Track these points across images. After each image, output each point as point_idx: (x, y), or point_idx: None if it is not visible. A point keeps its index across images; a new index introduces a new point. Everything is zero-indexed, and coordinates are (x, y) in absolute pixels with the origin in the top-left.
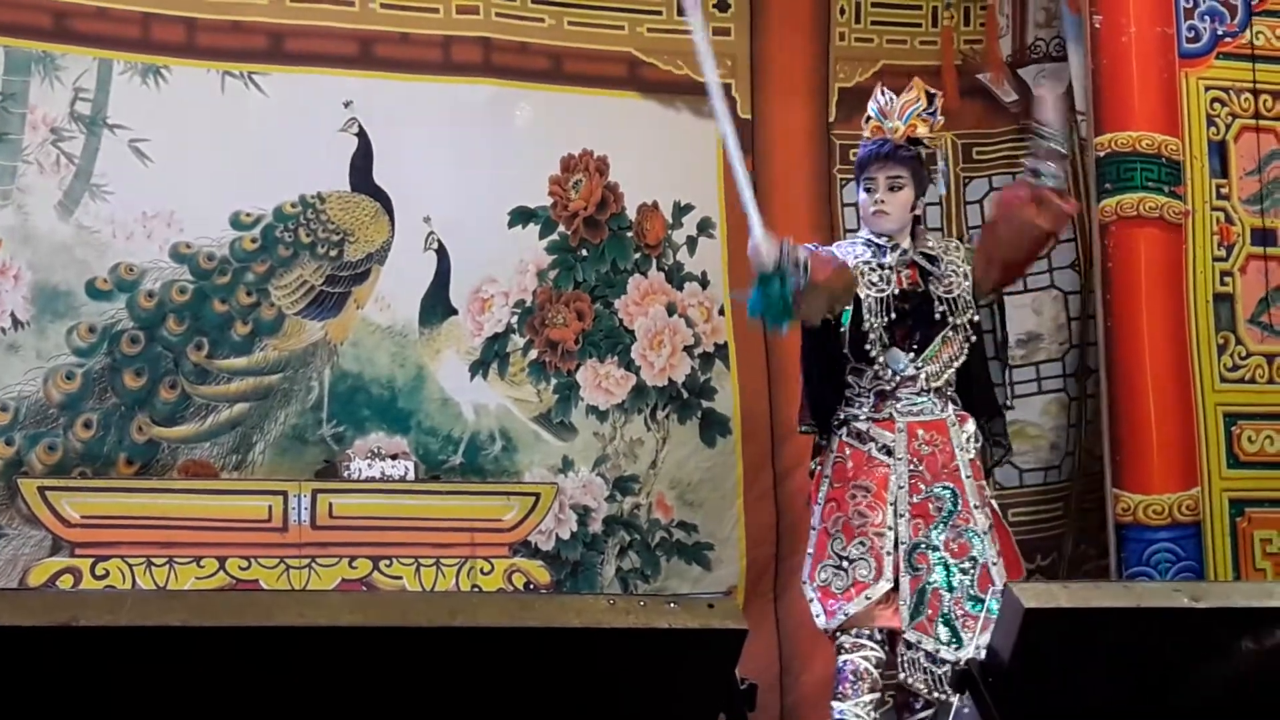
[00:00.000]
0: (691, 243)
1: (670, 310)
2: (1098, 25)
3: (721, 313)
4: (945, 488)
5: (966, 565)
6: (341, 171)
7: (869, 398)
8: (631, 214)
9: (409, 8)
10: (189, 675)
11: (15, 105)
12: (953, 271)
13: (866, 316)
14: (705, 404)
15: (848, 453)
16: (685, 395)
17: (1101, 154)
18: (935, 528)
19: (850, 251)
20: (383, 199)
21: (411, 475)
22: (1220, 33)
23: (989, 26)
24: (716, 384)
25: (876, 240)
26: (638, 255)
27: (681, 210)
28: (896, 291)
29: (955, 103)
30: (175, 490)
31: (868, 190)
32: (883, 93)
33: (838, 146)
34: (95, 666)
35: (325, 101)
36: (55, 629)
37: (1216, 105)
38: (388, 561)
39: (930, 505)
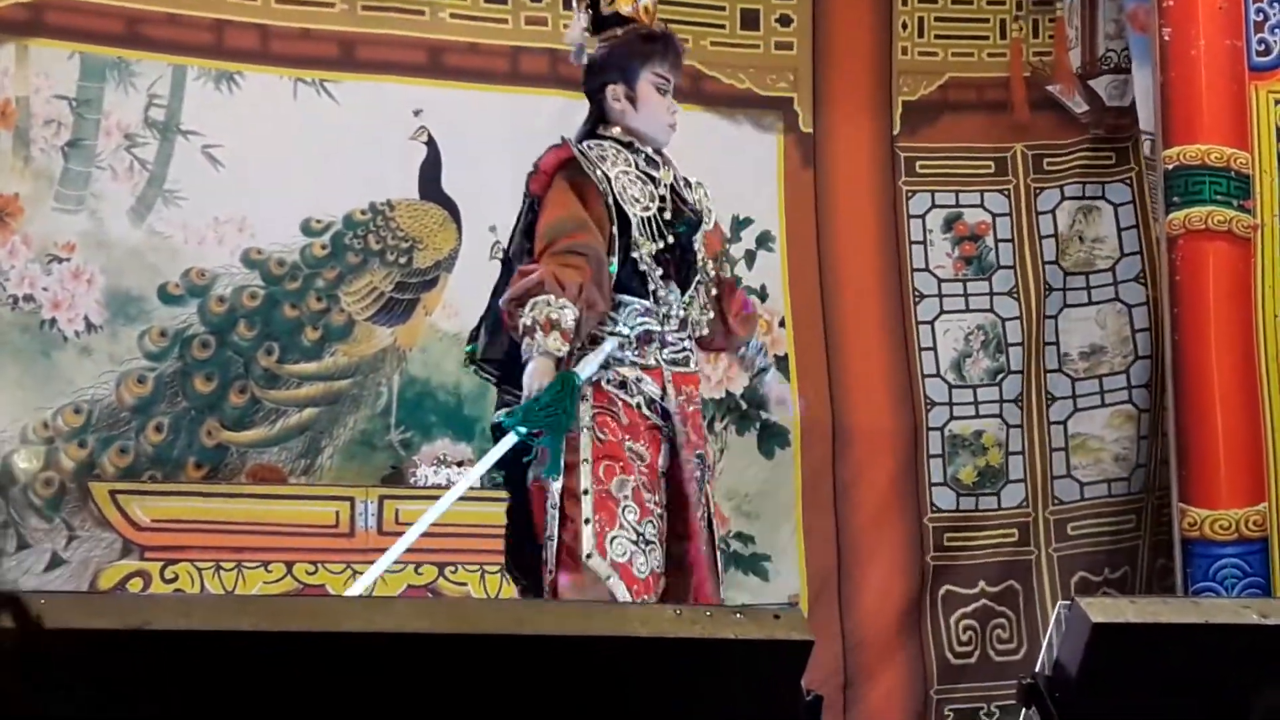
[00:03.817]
0: (750, 256)
1: None
2: (1167, 38)
3: (782, 325)
4: (699, 456)
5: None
6: (411, 179)
7: (629, 338)
8: None
9: (479, 18)
10: (259, 680)
11: (90, 111)
12: (704, 213)
13: (634, 239)
14: (764, 415)
15: (617, 403)
16: (744, 407)
17: (1170, 167)
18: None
19: (602, 155)
20: (451, 207)
21: (476, 483)
22: None
23: (1058, 38)
24: None
25: (640, 146)
26: None
27: (740, 224)
28: (668, 214)
29: (1026, 115)
30: (244, 495)
31: (661, 91)
32: None
33: (902, 159)
34: (166, 670)
35: (395, 109)
36: (128, 632)
37: None
38: (453, 568)
39: (688, 474)
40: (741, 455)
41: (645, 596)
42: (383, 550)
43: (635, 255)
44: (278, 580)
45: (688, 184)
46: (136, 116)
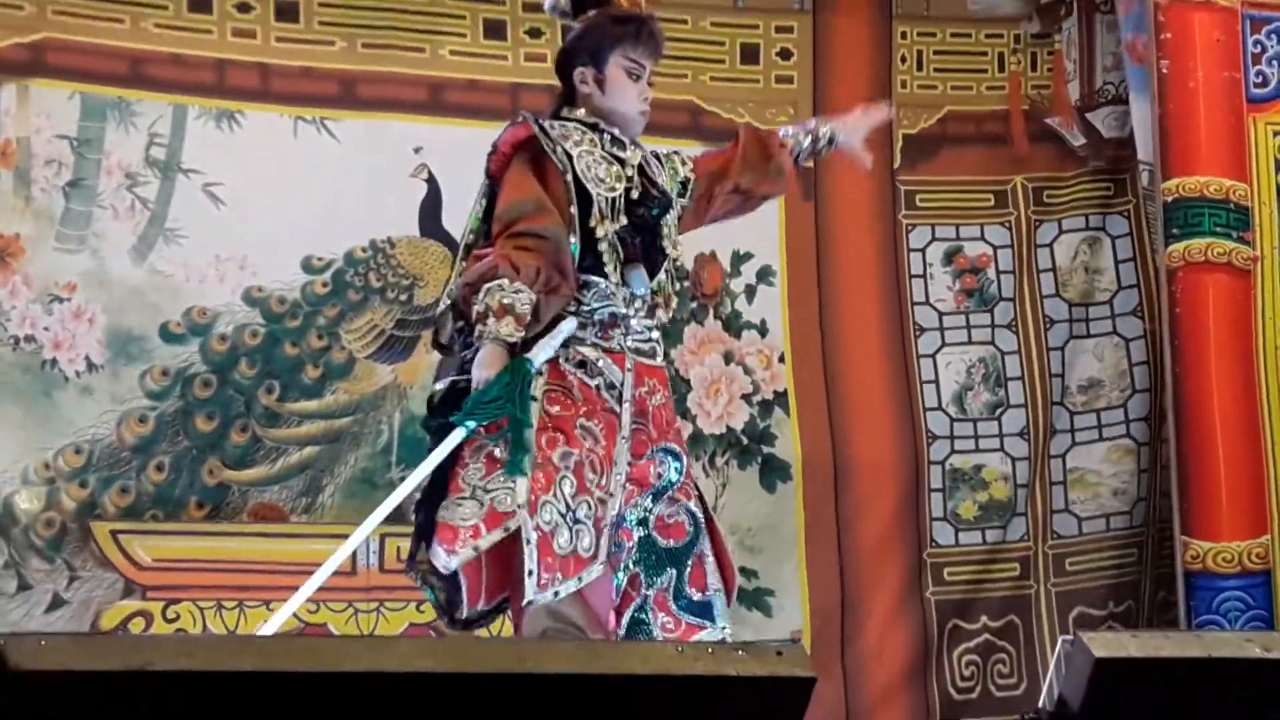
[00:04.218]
0: (750, 291)
1: (727, 359)
2: (1165, 71)
3: (782, 360)
4: (668, 450)
5: (679, 552)
6: (411, 216)
7: (592, 320)
8: (689, 263)
9: (479, 55)
10: None
11: (91, 151)
12: (672, 192)
13: (596, 219)
14: (765, 450)
15: (572, 381)
16: (745, 442)
17: (1169, 199)
18: (648, 497)
19: (565, 135)
20: (452, 244)
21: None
22: None
23: (1056, 71)
24: (776, 430)
25: (605, 127)
26: (694, 305)
27: (741, 258)
28: (636, 195)
29: (1025, 148)
30: (245, 534)
31: (633, 76)
32: None
33: (902, 193)
34: (169, 711)
35: (396, 147)
36: (130, 673)
37: None
38: None
39: (651, 470)
40: (743, 490)
41: (556, 574)
42: (384, 588)
43: (598, 236)
44: None
45: (659, 159)
46: (137, 156)
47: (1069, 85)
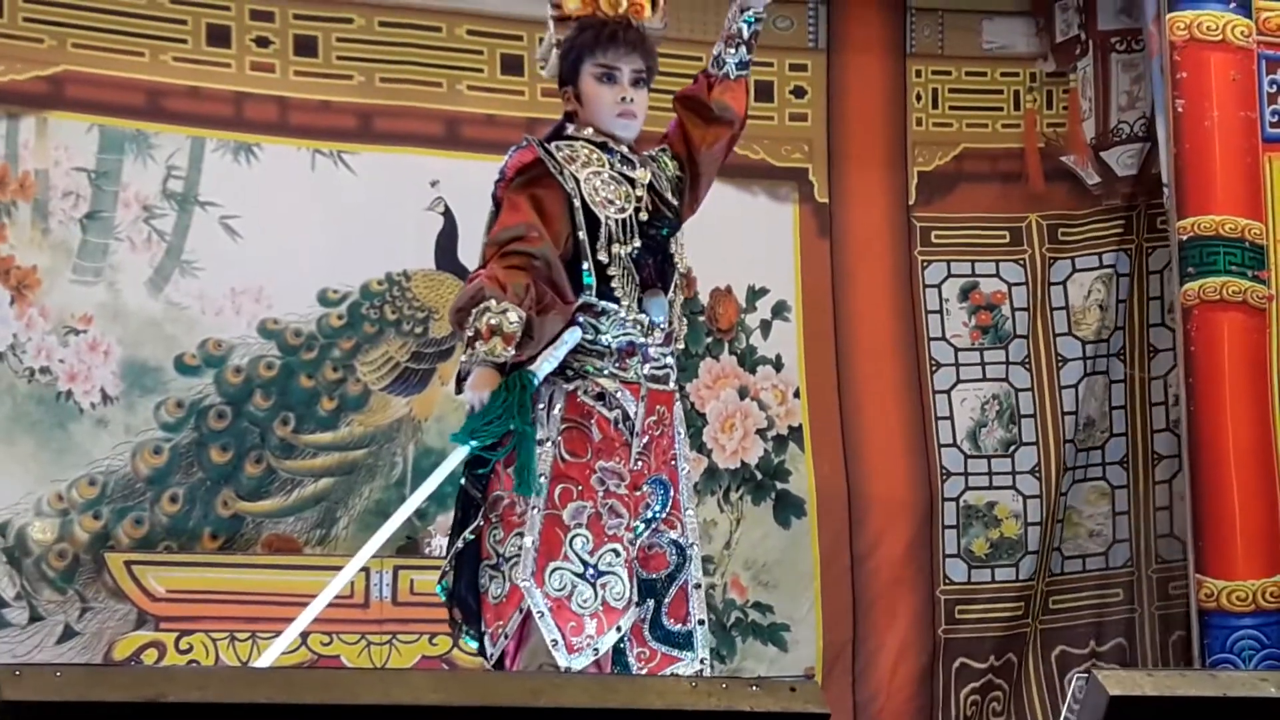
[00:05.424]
0: (765, 326)
1: (742, 394)
2: (1181, 110)
3: (797, 395)
4: (659, 481)
5: (659, 583)
6: (427, 250)
7: (610, 349)
8: (704, 298)
9: (495, 90)
10: None
11: (108, 183)
12: (675, 202)
13: (603, 243)
14: (780, 485)
15: (591, 415)
16: (759, 477)
17: (1184, 238)
18: (634, 529)
19: (572, 156)
20: (466, 278)
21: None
22: None
23: (1072, 110)
24: (791, 466)
25: (614, 146)
26: (709, 339)
27: (756, 294)
28: (645, 216)
29: (1040, 185)
30: (259, 565)
31: (606, 80)
32: None
33: (918, 229)
34: None
35: (412, 181)
36: (142, 705)
37: None
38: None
39: (643, 502)
40: (758, 525)
41: (588, 634)
42: (398, 620)
43: (607, 260)
44: (293, 651)
45: (656, 161)
46: (155, 188)
47: (1084, 124)
